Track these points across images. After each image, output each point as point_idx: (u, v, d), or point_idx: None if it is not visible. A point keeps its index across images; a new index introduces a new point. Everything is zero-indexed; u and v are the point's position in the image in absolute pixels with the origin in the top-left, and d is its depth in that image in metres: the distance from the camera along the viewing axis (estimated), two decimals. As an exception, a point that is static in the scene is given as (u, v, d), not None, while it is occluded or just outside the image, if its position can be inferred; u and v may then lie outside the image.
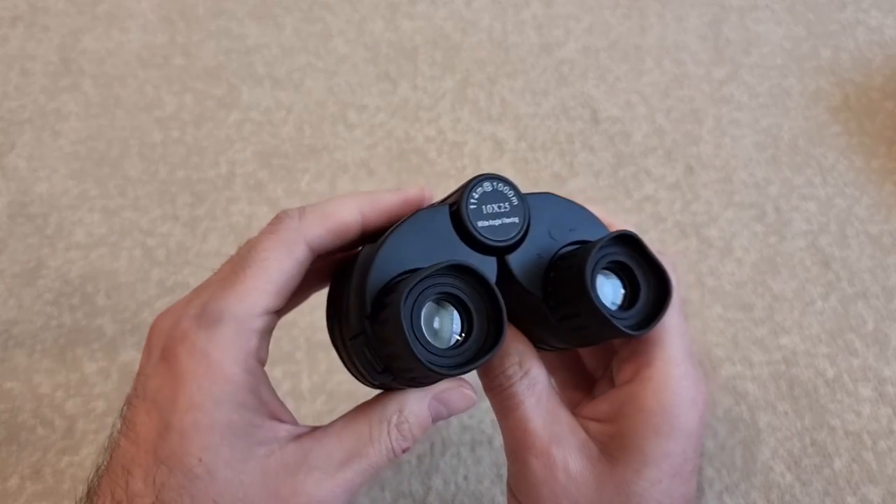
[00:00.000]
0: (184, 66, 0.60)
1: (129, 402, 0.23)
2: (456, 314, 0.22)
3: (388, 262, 0.23)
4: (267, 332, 0.24)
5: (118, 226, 0.51)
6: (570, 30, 0.63)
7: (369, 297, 0.22)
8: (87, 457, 0.42)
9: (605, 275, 0.25)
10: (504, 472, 0.41)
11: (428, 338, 0.21)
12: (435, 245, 0.24)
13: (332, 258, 0.28)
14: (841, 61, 0.61)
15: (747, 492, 0.41)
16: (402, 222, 0.24)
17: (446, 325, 0.22)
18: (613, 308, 0.25)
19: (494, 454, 0.42)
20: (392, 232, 0.24)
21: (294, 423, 0.24)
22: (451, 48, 0.62)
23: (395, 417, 0.24)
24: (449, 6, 0.65)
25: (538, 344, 0.28)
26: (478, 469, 0.41)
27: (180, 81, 0.59)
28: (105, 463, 0.23)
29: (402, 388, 0.25)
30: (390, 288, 0.22)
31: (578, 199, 0.54)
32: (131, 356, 0.45)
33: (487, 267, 0.24)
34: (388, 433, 0.24)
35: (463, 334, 0.22)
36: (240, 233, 0.51)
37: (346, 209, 0.25)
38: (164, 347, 0.23)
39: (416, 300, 0.21)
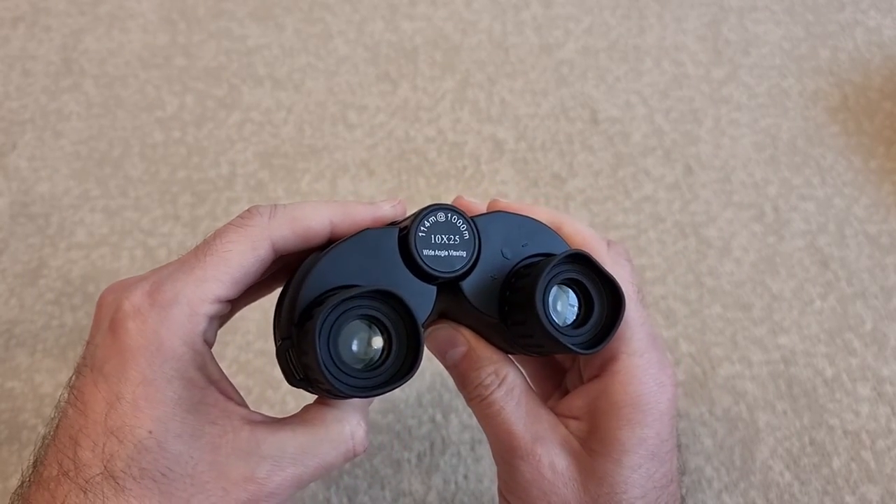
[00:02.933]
0: (185, 66, 0.60)
1: (77, 370, 0.23)
2: (377, 337, 0.23)
3: (326, 274, 0.24)
4: (217, 318, 0.24)
5: (119, 226, 0.51)
6: (570, 30, 0.63)
7: (300, 306, 0.23)
8: (89, 456, 0.42)
9: (561, 290, 0.25)
10: (504, 471, 0.42)
11: (343, 357, 0.22)
12: (376, 265, 0.24)
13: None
14: (839, 62, 0.61)
15: (746, 491, 0.41)
16: (350, 237, 0.25)
17: (363, 346, 0.23)
18: (568, 324, 0.25)
19: (494, 453, 0.42)
20: (336, 245, 0.24)
21: (244, 405, 0.24)
22: (450, 49, 0.62)
23: (355, 420, 0.25)
24: (449, 7, 0.65)
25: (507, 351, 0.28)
26: (478, 468, 0.42)
27: (181, 82, 0.59)
28: (52, 432, 0.23)
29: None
30: (320, 300, 0.23)
31: (578, 200, 0.55)
32: (132, 356, 0.46)
33: (426, 294, 0.25)
34: (352, 436, 0.24)
35: (381, 358, 0.23)
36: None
37: (317, 215, 0.25)
38: (114, 319, 0.23)
39: (337, 318, 0.22)
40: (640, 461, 0.25)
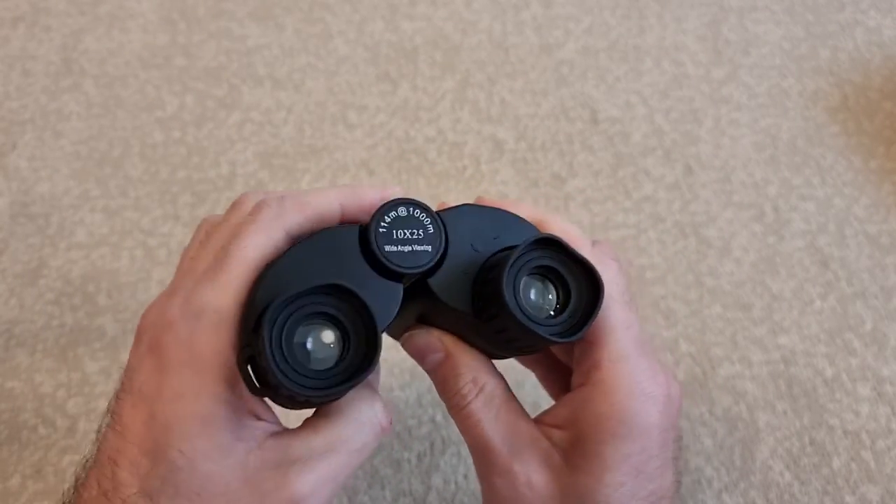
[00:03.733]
0: (185, 66, 0.60)
1: (116, 395, 0.23)
2: (329, 332, 0.22)
3: (283, 276, 0.23)
4: None
5: (119, 226, 0.51)
6: (570, 30, 0.63)
7: (257, 311, 0.22)
8: (89, 456, 0.42)
9: (536, 280, 0.24)
10: (504, 470, 0.42)
11: (299, 357, 0.21)
12: (336, 265, 0.23)
13: None
14: (839, 62, 0.61)
15: (746, 490, 0.41)
16: (309, 238, 0.24)
17: (318, 345, 0.22)
18: (545, 315, 0.24)
19: (494, 453, 0.42)
20: (295, 247, 0.24)
21: (274, 421, 0.24)
22: (450, 49, 0.62)
23: (377, 402, 0.24)
24: (449, 7, 0.65)
25: (495, 356, 0.27)
26: (478, 468, 0.42)
27: (181, 82, 0.59)
28: (93, 455, 0.23)
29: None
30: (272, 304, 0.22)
31: (578, 200, 0.55)
32: (132, 356, 0.46)
33: (391, 292, 0.24)
34: (374, 410, 0.24)
35: (340, 355, 0.22)
36: (240, 233, 0.51)
37: (327, 199, 0.25)
38: (151, 338, 0.23)
39: (288, 318, 0.21)
40: (623, 479, 0.23)
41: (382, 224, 0.24)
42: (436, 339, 0.26)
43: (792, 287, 0.49)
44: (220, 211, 0.54)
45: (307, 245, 0.24)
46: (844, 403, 0.44)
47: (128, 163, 0.55)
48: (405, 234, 0.24)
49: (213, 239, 0.25)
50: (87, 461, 0.24)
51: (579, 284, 0.24)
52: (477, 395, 0.25)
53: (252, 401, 0.24)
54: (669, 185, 0.54)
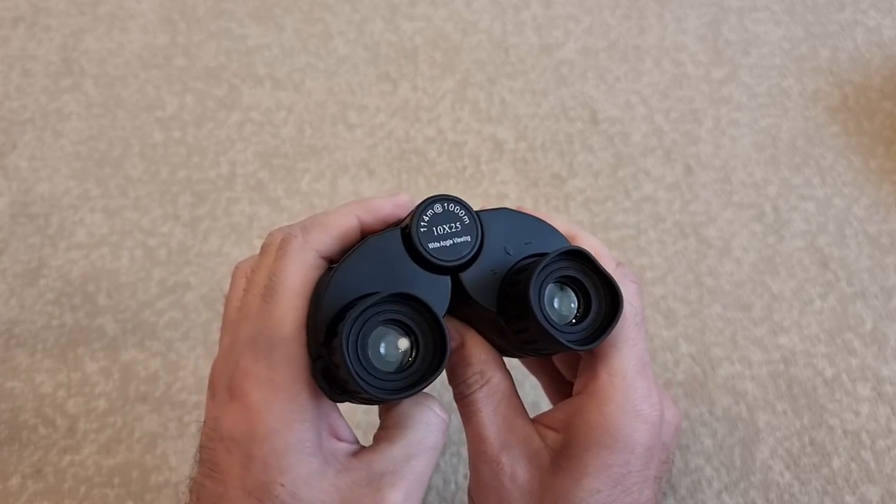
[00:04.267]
0: (185, 66, 0.60)
1: (203, 446, 0.24)
2: (403, 339, 0.23)
3: (341, 288, 0.24)
4: None
5: (119, 226, 0.51)
6: (570, 30, 0.63)
7: (323, 324, 0.23)
8: (89, 456, 0.42)
9: (560, 288, 0.25)
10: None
11: (374, 363, 0.22)
12: (387, 269, 0.25)
13: None
14: (839, 62, 0.61)
15: (746, 490, 0.41)
16: (355, 248, 0.25)
17: (392, 350, 0.23)
18: (565, 322, 0.25)
19: (494, 453, 0.42)
20: (345, 259, 0.25)
21: (352, 440, 0.25)
22: (450, 49, 0.62)
23: (434, 403, 0.26)
24: (449, 7, 0.65)
25: (506, 353, 0.28)
26: (478, 468, 0.42)
27: (181, 82, 0.59)
28: None
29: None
30: (341, 315, 0.23)
31: (578, 200, 0.55)
32: (132, 356, 0.46)
33: (441, 286, 0.25)
34: (433, 409, 0.26)
35: (413, 355, 0.23)
36: (241, 232, 0.51)
37: (344, 216, 0.26)
38: (230, 387, 0.24)
39: (362, 328, 0.22)
40: (600, 486, 0.24)
41: (422, 224, 0.25)
42: (454, 328, 0.27)
43: (792, 287, 0.49)
44: (221, 211, 0.54)
45: (355, 256, 0.25)
46: (844, 403, 0.44)
47: (128, 163, 0.55)
48: (444, 229, 0.25)
49: (255, 282, 0.26)
50: None
51: (600, 297, 0.25)
52: (482, 386, 0.26)
53: (333, 418, 0.25)
54: (669, 185, 0.54)
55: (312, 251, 0.25)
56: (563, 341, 0.24)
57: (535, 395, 0.43)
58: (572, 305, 0.25)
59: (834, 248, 0.50)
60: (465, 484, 0.41)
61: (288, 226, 0.27)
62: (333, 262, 0.26)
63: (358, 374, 0.21)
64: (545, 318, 0.24)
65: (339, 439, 0.25)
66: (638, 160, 0.55)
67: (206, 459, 0.24)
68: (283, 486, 0.22)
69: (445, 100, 0.58)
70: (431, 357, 0.23)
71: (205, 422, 0.25)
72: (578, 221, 0.52)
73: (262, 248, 0.27)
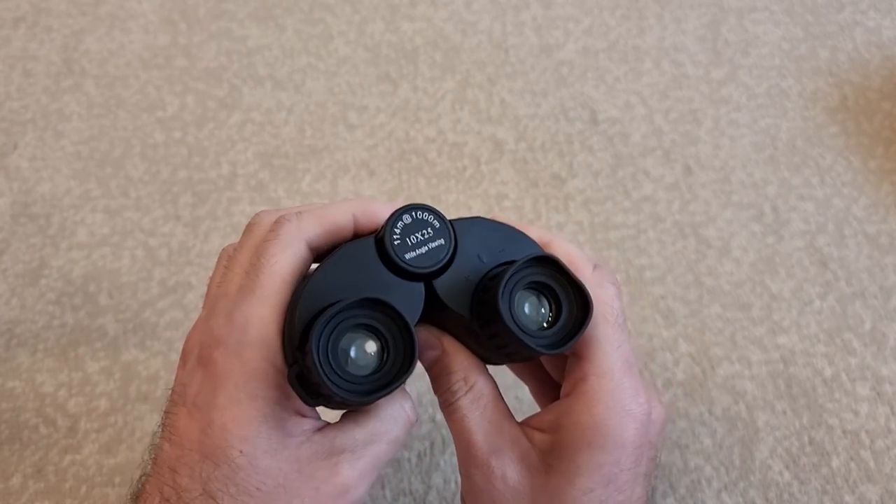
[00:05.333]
0: (185, 66, 0.61)
1: (168, 410, 0.25)
2: (372, 342, 0.24)
3: (315, 295, 0.25)
4: None
5: (120, 226, 0.51)
6: (570, 31, 0.63)
7: (297, 330, 0.24)
8: (90, 456, 0.42)
9: (532, 294, 0.26)
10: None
11: (346, 367, 0.23)
12: (361, 276, 0.25)
13: None
14: (839, 62, 0.61)
15: (745, 490, 0.41)
16: (330, 257, 0.26)
17: (362, 354, 0.24)
18: (538, 327, 0.25)
19: (494, 452, 0.42)
20: (319, 267, 0.25)
21: (315, 416, 0.26)
22: (451, 49, 0.62)
23: (407, 401, 0.27)
24: (449, 7, 0.65)
25: (486, 360, 0.29)
26: (478, 467, 0.42)
27: (182, 82, 0.59)
28: (149, 468, 0.25)
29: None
30: (313, 322, 0.24)
31: (578, 200, 0.55)
32: (133, 355, 0.46)
33: (414, 292, 0.26)
34: (402, 407, 0.26)
35: (382, 360, 0.24)
36: (241, 232, 0.51)
37: (340, 212, 0.27)
38: (200, 355, 0.25)
39: (332, 332, 0.23)
40: (593, 485, 0.25)
41: (395, 236, 0.25)
42: (434, 337, 0.28)
43: (791, 287, 0.49)
44: (221, 211, 0.54)
45: (331, 264, 0.25)
46: (843, 403, 0.44)
47: (129, 163, 0.55)
48: (417, 237, 0.26)
49: (237, 260, 0.26)
50: (142, 476, 0.25)
51: (571, 302, 0.25)
52: (466, 392, 0.27)
53: (296, 399, 0.25)
54: (669, 185, 0.54)
55: (303, 241, 0.26)
56: (532, 345, 0.24)
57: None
58: (543, 311, 0.26)
59: (833, 248, 0.50)
60: (465, 483, 0.41)
61: (276, 210, 0.27)
62: (319, 257, 0.27)
63: (328, 377, 0.22)
64: (514, 322, 0.24)
65: (304, 416, 0.25)
66: (637, 160, 0.55)
67: (168, 424, 0.25)
68: (241, 452, 0.23)
69: (445, 100, 0.59)
70: (402, 359, 0.23)
71: (173, 388, 0.26)
72: (578, 221, 0.52)
73: (247, 227, 0.28)
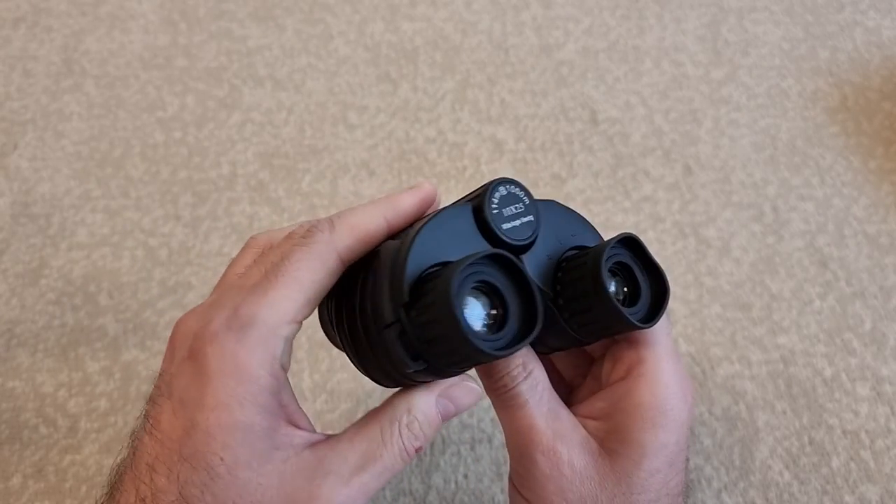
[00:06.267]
0: (185, 67, 0.61)
1: (153, 400, 0.24)
2: (487, 303, 0.23)
3: (421, 255, 0.24)
4: (291, 339, 0.25)
5: (120, 226, 0.51)
6: (570, 31, 0.63)
7: (406, 287, 0.23)
8: (90, 456, 0.42)
9: (611, 279, 0.27)
10: (504, 470, 0.42)
11: (470, 321, 0.22)
12: (461, 242, 0.25)
13: None
14: (839, 62, 0.61)
15: (746, 490, 0.41)
16: (429, 220, 0.25)
17: (479, 315, 0.23)
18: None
19: (494, 452, 0.42)
20: (422, 228, 0.25)
21: (311, 429, 0.25)
22: (451, 49, 0.62)
23: (404, 418, 0.25)
24: (449, 8, 0.65)
25: (535, 346, 0.29)
26: (477, 467, 0.42)
27: (182, 82, 0.59)
28: (128, 459, 0.24)
29: (414, 385, 0.25)
30: (426, 277, 0.23)
31: (578, 200, 0.55)
32: (133, 355, 0.46)
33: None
34: (400, 433, 0.25)
35: (492, 320, 0.23)
36: (241, 232, 0.51)
37: (372, 218, 0.26)
38: (192, 347, 0.23)
39: (459, 286, 0.22)
40: (659, 466, 0.25)
41: (493, 205, 0.26)
42: None
43: (791, 287, 0.49)
44: (222, 211, 0.54)
45: (431, 226, 0.25)
46: (843, 403, 0.44)
47: (129, 163, 0.55)
48: (512, 209, 0.26)
49: (265, 258, 0.25)
50: (120, 466, 0.24)
51: (647, 281, 0.27)
52: (525, 378, 0.27)
53: (292, 408, 0.24)
54: (669, 185, 0.54)
55: (335, 253, 0.25)
56: (633, 320, 0.25)
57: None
58: (626, 289, 0.27)
59: (833, 248, 0.50)
60: (465, 484, 0.41)
61: (317, 220, 0.26)
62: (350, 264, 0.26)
63: (465, 327, 0.21)
64: (612, 297, 0.25)
65: (297, 427, 0.24)
66: (637, 160, 0.55)
67: (152, 416, 0.23)
68: (222, 459, 0.22)
69: (445, 100, 0.59)
70: (520, 323, 0.23)
71: (160, 375, 0.24)
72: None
73: (287, 235, 0.27)
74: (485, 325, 0.23)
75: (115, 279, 0.49)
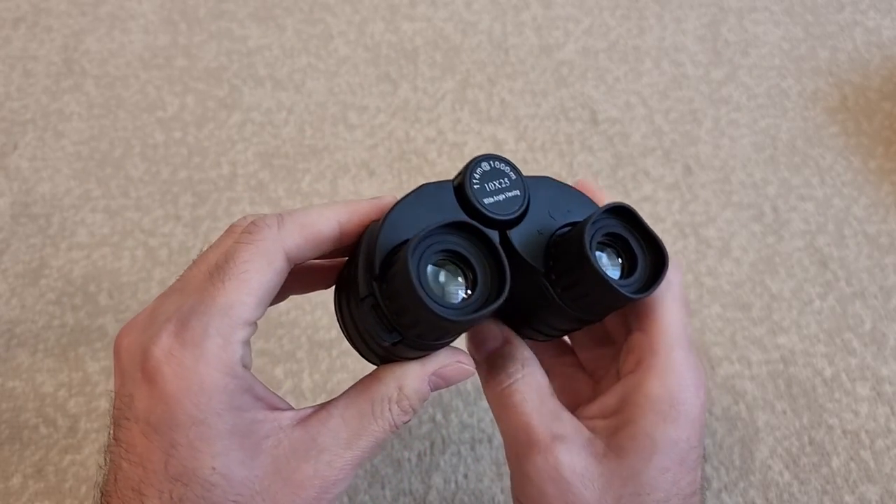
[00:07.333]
0: (185, 67, 0.61)
1: (117, 422, 0.23)
2: (459, 273, 0.23)
3: (395, 228, 0.24)
4: (248, 340, 0.24)
5: (120, 226, 0.51)
6: (570, 31, 0.63)
7: (378, 260, 0.23)
8: (90, 455, 0.42)
9: (602, 250, 0.26)
10: (504, 469, 0.42)
11: (435, 290, 0.22)
12: (440, 216, 0.25)
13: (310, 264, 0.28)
14: (839, 62, 0.61)
15: (746, 490, 0.41)
16: (408, 194, 0.25)
17: (450, 283, 0.23)
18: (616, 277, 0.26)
19: (494, 452, 0.42)
20: (399, 202, 0.25)
21: (291, 407, 0.25)
22: (451, 49, 0.62)
23: (395, 394, 0.24)
24: (449, 8, 0.65)
25: (537, 330, 0.28)
26: (478, 467, 0.42)
27: (182, 82, 0.59)
28: (111, 483, 0.23)
29: (403, 359, 0.25)
30: (398, 248, 0.23)
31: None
32: (133, 355, 0.46)
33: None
34: (390, 409, 0.24)
35: (468, 292, 0.23)
36: (241, 233, 0.51)
37: (324, 219, 0.25)
38: (146, 368, 0.22)
39: (422, 255, 0.22)
40: (670, 464, 0.24)
41: (475, 181, 0.26)
42: (496, 328, 0.27)
43: (791, 287, 0.49)
44: (222, 211, 0.54)
45: (409, 200, 0.25)
46: (843, 403, 0.44)
47: (129, 163, 0.55)
48: (495, 184, 0.26)
49: (206, 258, 0.24)
50: (102, 484, 0.24)
51: (644, 253, 0.26)
52: (524, 376, 0.26)
53: (270, 397, 0.24)
54: (669, 185, 0.54)
55: (281, 252, 0.24)
56: (619, 288, 0.24)
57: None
58: (616, 264, 0.26)
59: (833, 248, 0.50)
60: (465, 484, 0.41)
61: (261, 215, 0.25)
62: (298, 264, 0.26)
63: (428, 294, 0.21)
64: (600, 266, 0.24)
65: (276, 408, 0.24)
66: (637, 160, 0.55)
67: (122, 439, 0.23)
68: (214, 469, 0.21)
69: (445, 100, 0.59)
70: (489, 290, 0.23)
71: (116, 394, 0.23)
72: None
73: (228, 228, 0.26)
74: (457, 295, 0.23)
75: (115, 279, 0.49)
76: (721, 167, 0.55)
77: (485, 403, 0.43)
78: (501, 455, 0.42)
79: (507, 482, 0.41)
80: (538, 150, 0.56)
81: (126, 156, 0.55)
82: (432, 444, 0.42)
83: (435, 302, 0.21)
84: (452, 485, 0.41)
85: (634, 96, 0.59)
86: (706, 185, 0.54)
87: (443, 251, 0.23)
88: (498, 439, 0.43)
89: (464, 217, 0.23)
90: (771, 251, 0.50)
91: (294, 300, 0.46)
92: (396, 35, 0.63)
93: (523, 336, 0.29)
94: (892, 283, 0.49)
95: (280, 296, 0.29)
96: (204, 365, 0.22)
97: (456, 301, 0.23)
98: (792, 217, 0.52)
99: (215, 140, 0.56)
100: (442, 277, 0.23)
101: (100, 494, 0.24)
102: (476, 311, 0.22)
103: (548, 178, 0.28)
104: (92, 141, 0.56)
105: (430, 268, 0.23)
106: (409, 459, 0.42)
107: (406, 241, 0.23)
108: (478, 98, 0.59)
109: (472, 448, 0.42)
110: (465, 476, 0.41)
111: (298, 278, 0.28)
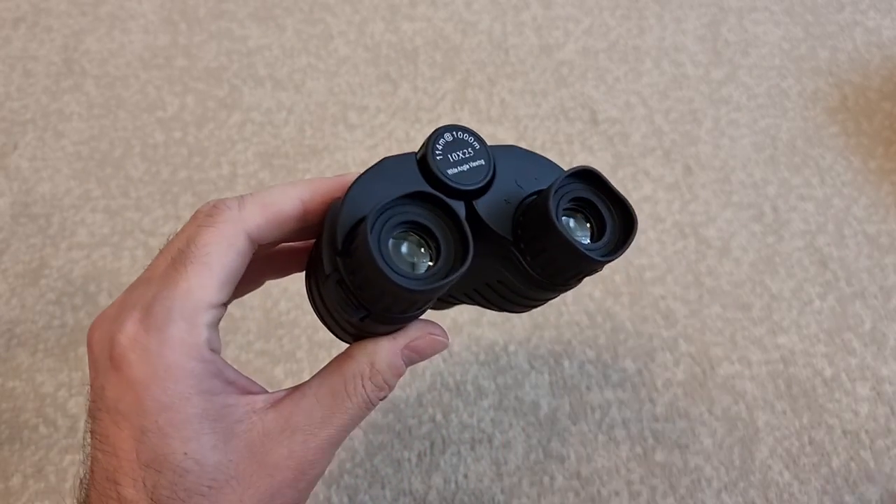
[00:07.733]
0: (185, 67, 0.61)
1: (92, 415, 0.23)
2: (422, 243, 0.23)
3: (357, 203, 0.24)
4: (215, 323, 0.24)
5: (120, 226, 0.51)
6: (570, 31, 0.63)
7: (340, 236, 0.23)
8: (90, 455, 0.42)
9: (572, 216, 0.26)
10: (504, 470, 0.42)
11: (397, 262, 0.22)
12: (403, 188, 0.24)
13: (285, 246, 0.28)
14: (839, 62, 0.61)
15: (745, 490, 0.41)
16: (369, 168, 0.25)
17: (413, 254, 0.23)
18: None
19: (494, 452, 0.42)
20: (360, 177, 0.25)
21: (264, 390, 0.24)
22: (451, 49, 0.62)
23: (367, 370, 0.24)
24: (449, 8, 0.65)
25: (512, 302, 0.28)
26: (478, 467, 0.42)
27: (182, 82, 0.59)
28: (87, 478, 0.23)
29: (374, 335, 0.25)
30: (359, 223, 0.23)
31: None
32: (133, 355, 0.46)
33: (456, 209, 0.25)
34: (363, 386, 0.24)
35: (432, 262, 0.23)
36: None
37: (286, 198, 0.25)
38: (113, 355, 0.22)
39: (382, 227, 0.22)
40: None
41: (437, 152, 0.25)
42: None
43: (791, 287, 0.49)
44: (221, 211, 0.54)
45: (371, 174, 0.25)
46: (843, 403, 0.44)
47: (129, 163, 0.55)
48: (458, 155, 0.26)
49: (170, 245, 0.24)
50: (82, 481, 0.24)
51: (613, 217, 0.26)
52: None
53: (241, 381, 0.24)
54: (669, 185, 0.54)
55: (243, 233, 0.24)
56: (586, 252, 0.24)
57: (534, 394, 0.43)
58: (586, 230, 0.26)
59: (833, 248, 0.50)
60: (464, 483, 0.41)
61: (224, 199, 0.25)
62: (263, 246, 0.26)
63: (389, 266, 0.21)
64: (565, 230, 0.24)
65: (249, 392, 0.24)
66: (637, 160, 0.55)
67: (96, 431, 0.23)
68: (186, 454, 0.21)
69: (446, 100, 0.59)
70: (453, 260, 0.23)
71: (90, 387, 0.23)
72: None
73: (193, 214, 0.25)
74: (420, 265, 0.23)
75: (115, 279, 0.49)
76: (721, 167, 0.55)
77: (484, 403, 0.43)
78: (501, 455, 0.42)
79: (508, 482, 0.41)
80: (538, 150, 0.56)
81: (126, 156, 0.55)
82: (432, 444, 0.42)
83: (395, 272, 0.21)
84: (452, 485, 0.41)
85: (634, 96, 0.59)
86: (706, 185, 0.54)
87: (404, 223, 0.23)
88: (498, 439, 0.43)
89: (423, 187, 0.23)
90: (771, 251, 0.50)
91: (294, 300, 0.46)
92: (396, 35, 0.63)
93: (501, 311, 0.29)
94: (892, 283, 0.49)
95: (255, 281, 0.29)
96: (169, 349, 0.22)
97: (420, 272, 0.23)
98: (792, 217, 0.52)
99: (215, 140, 0.56)
100: (404, 249, 0.23)
101: (81, 490, 0.24)
102: (439, 280, 0.22)
103: (515, 146, 0.27)
104: (92, 141, 0.56)
105: (391, 240, 0.23)
106: (409, 459, 0.42)
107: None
108: (478, 98, 0.59)
109: (472, 448, 0.42)
110: (465, 476, 0.41)
111: (272, 262, 0.28)
